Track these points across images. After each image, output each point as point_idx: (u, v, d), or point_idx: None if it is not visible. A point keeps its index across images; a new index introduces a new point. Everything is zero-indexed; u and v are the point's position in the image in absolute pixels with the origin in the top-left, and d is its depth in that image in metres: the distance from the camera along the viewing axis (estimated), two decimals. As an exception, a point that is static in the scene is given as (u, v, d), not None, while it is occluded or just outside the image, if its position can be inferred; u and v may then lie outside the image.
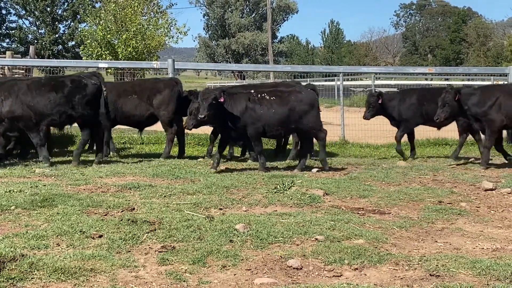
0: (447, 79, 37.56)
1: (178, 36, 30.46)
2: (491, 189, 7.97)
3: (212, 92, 9.44)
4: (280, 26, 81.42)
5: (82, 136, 10.10)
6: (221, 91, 9.38)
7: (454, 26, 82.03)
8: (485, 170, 9.88)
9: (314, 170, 9.65)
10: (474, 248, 5.26)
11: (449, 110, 9.97)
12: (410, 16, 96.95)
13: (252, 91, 9.84)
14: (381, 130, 15.09)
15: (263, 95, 9.59)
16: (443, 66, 67.07)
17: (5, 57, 15.84)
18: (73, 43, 53.79)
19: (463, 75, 35.21)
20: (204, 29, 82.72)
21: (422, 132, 14.32)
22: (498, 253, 5.07)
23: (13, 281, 4.13)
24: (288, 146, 13.11)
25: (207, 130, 12.00)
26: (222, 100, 9.22)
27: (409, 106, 11.47)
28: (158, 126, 11.93)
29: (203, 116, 9.21)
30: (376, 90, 11.79)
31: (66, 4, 55.18)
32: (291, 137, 12.42)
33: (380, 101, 11.41)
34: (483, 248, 5.25)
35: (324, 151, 9.90)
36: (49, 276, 4.24)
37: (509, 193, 7.80)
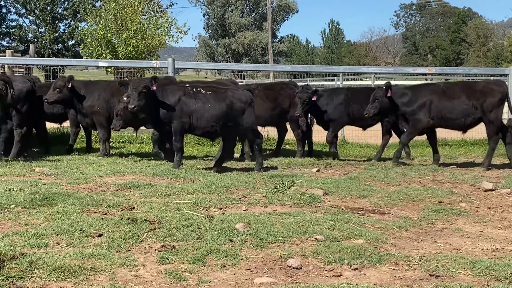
0: (447, 80, 37.56)
1: (178, 35, 30.51)
2: (491, 190, 7.98)
3: (142, 80, 9.20)
4: (280, 25, 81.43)
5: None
6: (152, 78, 9.14)
7: (454, 26, 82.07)
8: (397, 165, 9.99)
9: (314, 170, 9.65)
10: (474, 249, 5.26)
11: (378, 106, 9.97)
12: (410, 16, 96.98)
13: (188, 84, 9.64)
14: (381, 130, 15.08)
15: (198, 89, 9.36)
16: (443, 66, 67.07)
17: (5, 56, 15.85)
18: (73, 42, 53.77)
19: (463, 76, 35.22)
20: (204, 28, 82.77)
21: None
22: (498, 254, 5.07)
23: (13, 279, 4.12)
24: (287, 146, 13.13)
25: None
26: (154, 88, 8.99)
27: (337, 106, 11.29)
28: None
29: (133, 106, 8.97)
30: (308, 86, 11.45)
31: (66, 3, 55.19)
32: (290, 138, 12.43)
33: (314, 98, 11.08)
34: (483, 249, 5.25)
35: (260, 155, 9.61)
36: (48, 274, 4.24)
37: (509, 194, 7.80)
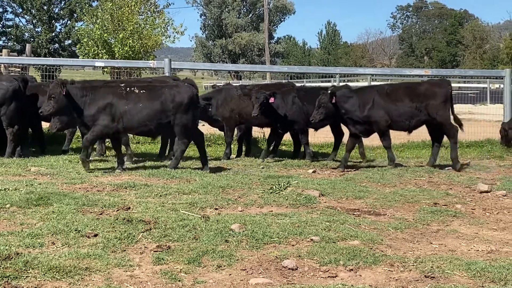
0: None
1: (175, 35, 30.41)
2: (486, 191, 7.99)
3: (57, 84, 8.97)
4: (277, 26, 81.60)
5: None
6: (61, 83, 8.94)
7: (450, 28, 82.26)
8: (393, 168, 9.92)
9: (310, 171, 9.66)
10: (469, 250, 5.27)
11: (324, 112, 9.91)
12: (406, 18, 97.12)
13: (122, 84, 9.44)
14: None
15: (132, 89, 9.17)
16: (439, 68, 67.21)
17: (1, 55, 15.81)
18: (70, 41, 53.62)
19: (459, 78, 35.27)
20: (201, 29, 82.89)
21: (417, 134, 14.34)
22: (493, 255, 5.09)
23: (8, 279, 4.12)
24: (283, 147, 13.12)
25: (203, 130, 11.97)
26: (64, 92, 8.80)
27: (292, 107, 11.04)
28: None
29: (41, 111, 8.99)
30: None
31: (63, 2, 55.03)
32: (286, 138, 12.42)
33: (272, 100, 10.81)
34: (478, 250, 5.27)
35: (204, 154, 9.55)
36: (44, 274, 4.24)
37: (504, 196, 7.82)
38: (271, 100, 10.73)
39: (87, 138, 9.10)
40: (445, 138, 10.52)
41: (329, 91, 9.99)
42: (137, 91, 9.14)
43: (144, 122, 9.07)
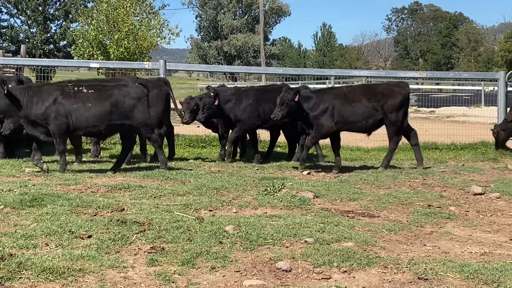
0: (437, 84, 37.75)
1: (170, 37, 30.31)
2: (480, 194, 8.01)
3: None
4: (272, 28, 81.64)
5: None
6: (1, 81, 8.77)
7: (445, 31, 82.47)
8: (304, 169, 9.89)
9: (305, 172, 9.67)
10: (462, 252, 5.28)
11: (286, 110, 9.82)
12: (401, 21, 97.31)
13: (70, 84, 9.30)
14: (372, 133, 15.11)
15: (80, 88, 9.02)
16: (434, 70, 67.39)
17: (-4, 56, 15.76)
18: (65, 42, 53.49)
19: (454, 80, 35.38)
20: (196, 30, 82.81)
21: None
22: (486, 257, 5.10)
23: (1, 280, 4.11)
24: (278, 149, 13.13)
25: (198, 131, 11.98)
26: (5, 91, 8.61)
27: (246, 107, 10.96)
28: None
29: None
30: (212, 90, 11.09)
31: (58, 3, 54.93)
32: (281, 140, 12.43)
33: (216, 103, 10.75)
34: (471, 252, 5.28)
35: (161, 153, 9.51)
36: (37, 276, 4.23)
37: (498, 198, 7.84)
38: (215, 102, 10.63)
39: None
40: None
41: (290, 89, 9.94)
42: (85, 91, 8.97)
43: (92, 123, 8.91)
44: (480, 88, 33.15)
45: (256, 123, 11.07)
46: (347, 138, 14.52)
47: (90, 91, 8.99)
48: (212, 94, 10.69)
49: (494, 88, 22.92)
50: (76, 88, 9.03)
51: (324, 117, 9.88)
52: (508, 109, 13.51)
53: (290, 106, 9.82)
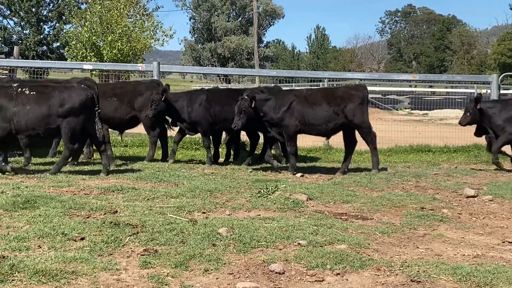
0: (431, 86, 37.86)
1: (163, 38, 30.39)
2: (473, 196, 8.04)
3: None
4: (266, 30, 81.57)
5: None
6: None
7: (438, 33, 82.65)
8: (293, 174, 9.79)
9: (298, 175, 9.67)
10: (455, 255, 5.30)
11: (245, 117, 9.83)
12: (395, 23, 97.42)
13: (15, 84, 8.99)
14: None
15: (23, 90, 8.72)
16: (427, 73, 67.48)
17: (-12, 57, 15.71)
18: (58, 44, 53.42)
19: (447, 83, 35.47)
20: (190, 32, 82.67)
21: (405, 139, 14.43)
22: (479, 260, 5.12)
23: (-7, 283, 4.10)
24: (272, 151, 13.12)
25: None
26: None
27: (198, 108, 10.79)
28: (142, 129, 11.87)
29: None
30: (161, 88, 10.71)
31: (51, 5, 54.85)
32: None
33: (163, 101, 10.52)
34: (464, 255, 5.30)
35: (106, 158, 9.29)
36: (30, 278, 4.22)
37: (490, 200, 7.87)
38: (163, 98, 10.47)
39: None
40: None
41: (246, 96, 9.91)
42: (27, 92, 8.73)
43: (31, 125, 8.67)
44: (473, 90, 33.25)
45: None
46: (340, 140, 14.56)
47: (31, 93, 8.69)
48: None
49: (487, 91, 22.97)
50: (19, 90, 8.75)
51: (287, 118, 9.89)
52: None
53: (249, 113, 9.83)
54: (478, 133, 11.51)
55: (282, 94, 10.47)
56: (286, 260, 4.88)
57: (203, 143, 11.33)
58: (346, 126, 10.15)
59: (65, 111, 8.68)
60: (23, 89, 8.74)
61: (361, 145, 13.45)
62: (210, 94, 11.18)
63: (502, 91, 14.51)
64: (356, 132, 10.30)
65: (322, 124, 10.01)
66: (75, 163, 10.22)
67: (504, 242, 5.84)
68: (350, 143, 10.41)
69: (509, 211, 7.27)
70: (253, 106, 9.84)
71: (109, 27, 26.86)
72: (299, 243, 5.34)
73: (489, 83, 14.77)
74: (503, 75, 14.98)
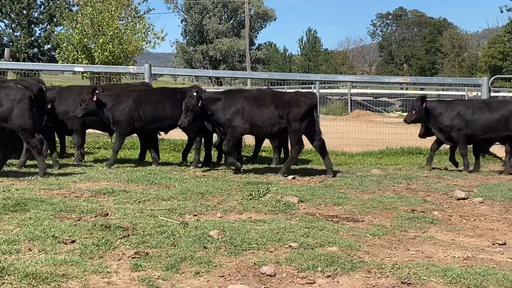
0: (422, 89, 38.00)
1: (155, 41, 30.33)
2: (464, 198, 8.07)
3: None
4: (258, 33, 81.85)
5: None
6: None
7: (429, 36, 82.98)
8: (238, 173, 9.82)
9: (290, 177, 9.68)
10: (445, 257, 5.32)
11: (192, 116, 9.77)
12: (386, 26, 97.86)
13: None
14: (356, 138, 15.21)
15: None
16: (418, 76, 67.85)
17: (-21, 59, 15.63)
18: (49, 46, 53.28)
19: (438, 85, 35.63)
20: (182, 34, 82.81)
21: (397, 141, 14.47)
22: (469, 262, 5.14)
23: (-17, 286, 4.08)
24: (264, 154, 13.14)
25: (183, 135, 11.95)
26: None
27: (124, 108, 10.50)
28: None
29: None
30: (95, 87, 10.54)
31: (42, 7, 54.73)
32: (266, 144, 12.44)
33: (95, 100, 10.31)
34: (454, 257, 5.32)
35: (41, 159, 8.94)
36: (20, 281, 4.20)
37: (481, 203, 7.91)
38: (94, 98, 10.28)
39: None
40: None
41: (194, 94, 9.85)
42: None
43: None
44: (464, 93, 33.43)
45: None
46: (331, 142, 14.58)
47: None
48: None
49: (477, 94, 23.08)
50: None
51: (236, 119, 9.84)
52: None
53: (195, 111, 9.77)
54: (423, 135, 11.69)
55: (232, 95, 10.34)
56: (277, 262, 4.88)
57: (113, 145, 10.84)
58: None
59: (10, 110, 8.59)
60: None
61: (352, 146, 13.52)
62: (141, 94, 10.90)
63: (492, 94, 14.56)
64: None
65: (268, 127, 9.94)
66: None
67: (494, 244, 5.86)
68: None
69: (499, 213, 7.31)
70: (200, 104, 9.71)
71: (101, 29, 26.79)
72: (290, 246, 5.34)
73: (479, 86, 14.84)
74: (493, 77, 15.05)
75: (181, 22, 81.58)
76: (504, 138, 11.24)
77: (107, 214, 6.33)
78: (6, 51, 18.34)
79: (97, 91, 10.36)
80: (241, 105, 9.90)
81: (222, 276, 4.55)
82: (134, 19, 30.27)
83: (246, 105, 9.92)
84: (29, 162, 10.13)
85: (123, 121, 10.46)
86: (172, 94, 10.85)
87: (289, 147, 11.72)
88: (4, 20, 54.96)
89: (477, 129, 10.92)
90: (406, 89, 37.87)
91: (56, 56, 32.83)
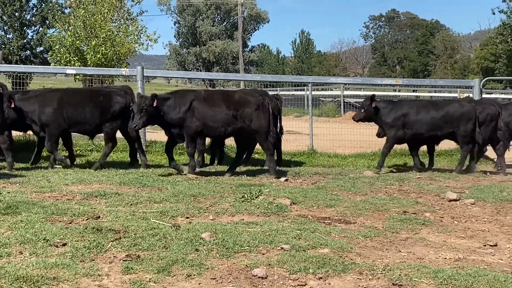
0: (414, 91, 38.10)
1: (148, 43, 30.28)
2: (455, 200, 8.10)
3: None
4: (251, 35, 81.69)
5: None
6: None
7: (422, 38, 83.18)
8: (191, 174, 9.74)
9: (282, 179, 9.69)
10: (437, 258, 5.34)
11: (146, 116, 9.60)
12: (379, 28, 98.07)
13: None
14: (349, 140, 15.23)
15: None
16: (411, 77, 68.00)
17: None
18: (42, 48, 53.11)
19: (430, 87, 35.75)
20: (175, 36, 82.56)
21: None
22: (460, 263, 5.16)
23: (-27, 289, 4.07)
24: (257, 156, 13.14)
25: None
26: None
27: (50, 110, 10.31)
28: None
29: None
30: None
31: (35, 9, 54.52)
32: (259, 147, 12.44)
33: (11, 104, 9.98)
34: (445, 258, 5.33)
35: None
36: (11, 284, 4.18)
37: (472, 204, 7.93)
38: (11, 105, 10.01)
39: None
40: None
41: (150, 95, 9.71)
42: None
43: None
44: (456, 95, 33.55)
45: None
46: (324, 145, 14.62)
47: None
48: None
49: (469, 95, 23.14)
50: None
51: (188, 118, 9.77)
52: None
53: (150, 112, 9.60)
54: (379, 134, 11.74)
55: (182, 94, 10.25)
56: (269, 264, 4.88)
57: (45, 146, 10.65)
58: (242, 131, 10.12)
59: None
60: None
61: (345, 148, 13.54)
62: (65, 95, 10.75)
63: (484, 95, 14.62)
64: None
65: (221, 127, 9.92)
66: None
67: (485, 245, 5.88)
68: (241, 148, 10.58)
69: (491, 215, 7.34)
70: (154, 105, 9.58)
71: (93, 31, 26.74)
72: (282, 248, 5.35)
73: (471, 88, 14.89)
74: (485, 79, 15.13)
75: (174, 24, 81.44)
76: (450, 135, 11.35)
77: (99, 217, 6.32)
78: (-2, 53, 18.27)
79: (12, 97, 10.11)
80: (192, 104, 9.76)
81: (213, 279, 4.55)
82: (127, 21, 30.23)
83: (197, 104, 9.80)
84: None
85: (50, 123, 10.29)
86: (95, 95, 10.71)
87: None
88: (-4, 22, 54.77)
89: (422, 127, 11.11)
90: (399, 91, 37.95)
91: (48, 58, 32.74)
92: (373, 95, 11.61)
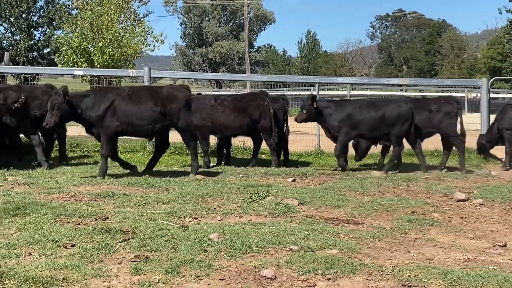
0: (421, 91, 38.00)
1: (154, 44, 30.30)
2: (464, 200, 8.07)
3: None
4: (257, 35, 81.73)
5: None
6: None
7: (428, 38, 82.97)
8: (102, 178, 9.36)
9: (289, 179, 9.68)
10: (446, 259, 5.31)
11: (59, 114, 9.23)
12: (385, 28, 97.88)
13: None
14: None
15: None
16: (417, 77, 67.78)
17: (-22, 64, 15.62)
18: (49, 50, 53.24)
19: (437, 87, 35.63)
20: (181, 37, 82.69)
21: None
22: (470, 264, 5.14)
23: (-17, 291, 4.08)
24: (263, 156, 13.14)
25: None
26: None
27: None
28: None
29: None
30: None
31: (42, 10, 54.67)
32: (266, 147, 12.44)
33: None
34: (455, 259, 5.31)
35: None
36: (20, 285, 4.19)
37: (481, 204, 7.90)
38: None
39: None
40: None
41: (61, 91, 9.33)
42: None
43: None
44: (463, 95, 33.47)
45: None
46: (331, 145, 14.57)
47: None
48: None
49: (477, 95, 23.06)
50: None
51: (107, 118, 9.39)
52: (492, 116, 13.66)
53: (63, 109, 9.23)
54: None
55: (103, 91, 9.98)
56: (278, 265, 4.87)
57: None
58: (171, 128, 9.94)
59: None
60: None
61: (352, 148, 13.49)
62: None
63: (492, 95, 14.57)
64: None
65: (148, 125, 9.56)
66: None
67: (494, 245, 5.85)
68: (160, 145, 10.34)
69: (500, 215, 7.31)
70: (66, 101, 9.20)
71: (100, 32, 26.78)
72: (290, 248, 5.34)
73: (478, 87, 14.85)
74: (492, 79, 15.08)
75: (180, 25, 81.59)
76: (387, 135, 11.19)
77: (107, 218, 6.32)
78: (6, 55, 18.33)
79: None
80: (114, 102, 9.43)
81: (222, 280, 4.55)
82: (134, 22, 30.26)
83: (119, 101, 9.47)
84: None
85: None
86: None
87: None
88: (4, 24, 54.89)
89: (363, 128, 11.03)
90: (406, 91, 37.85)
91: (55, 59, 32.77)
92: (314, 95, 11.48)
